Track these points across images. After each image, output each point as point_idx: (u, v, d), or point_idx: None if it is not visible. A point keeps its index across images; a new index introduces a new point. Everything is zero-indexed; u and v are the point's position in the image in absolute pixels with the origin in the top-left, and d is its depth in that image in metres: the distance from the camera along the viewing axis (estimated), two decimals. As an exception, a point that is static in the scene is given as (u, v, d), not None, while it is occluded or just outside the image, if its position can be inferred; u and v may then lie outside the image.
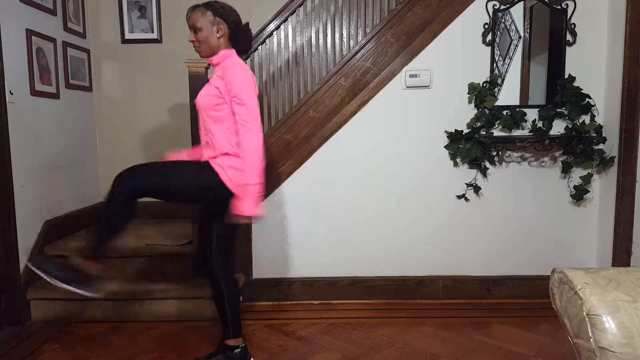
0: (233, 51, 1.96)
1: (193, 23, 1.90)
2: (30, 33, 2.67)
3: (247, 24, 2.00)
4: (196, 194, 1.93)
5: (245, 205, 1.79)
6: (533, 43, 2.69)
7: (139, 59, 3.42)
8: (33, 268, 1.82)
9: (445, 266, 2.80)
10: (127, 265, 2.76)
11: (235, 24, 1.94)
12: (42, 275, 1.78)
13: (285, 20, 2.65)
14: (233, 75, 1.86)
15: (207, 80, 2.01)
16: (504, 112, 2.63)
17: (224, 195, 1.84)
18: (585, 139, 2.58)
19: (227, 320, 2.04)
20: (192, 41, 1.93)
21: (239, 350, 2.05)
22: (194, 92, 2.33)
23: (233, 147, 1.88)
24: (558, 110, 2.65)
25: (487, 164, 2.72)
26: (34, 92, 2.70)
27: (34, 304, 2.58)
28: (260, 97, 2.15)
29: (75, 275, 1.79)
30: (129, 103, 3.49)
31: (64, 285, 1.77)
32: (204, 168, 1.89)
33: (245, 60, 2.54)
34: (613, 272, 1.06)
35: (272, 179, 2.66)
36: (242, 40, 1.99)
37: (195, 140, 2.50)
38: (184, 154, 2.15)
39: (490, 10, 2.64)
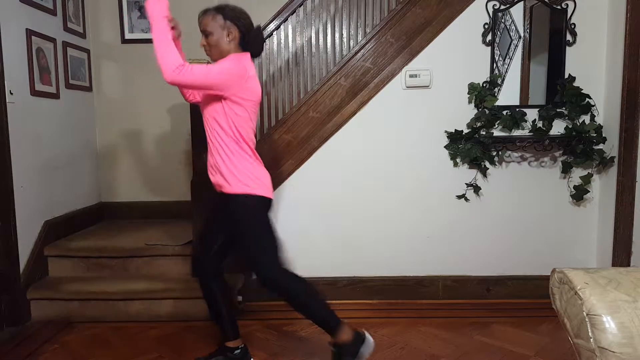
0: (247, 54, 1.91)
1: (204, 27, 1.87)
2: (30, 33, 2.67)
3: (259, 27, 1.95)
4: (266, 210, 2.00)
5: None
6: (533, 43, 2.68)
7: (139, 59, 3.42)
8: None
9: (445, 266, 2.80)
10: (127, 265, 2.77)
11: (247, 28, 1.90)
12: None
13: (285, 20, 2.65)
14: (222, 60, 1.86)
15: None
16: (504, 112, 2.63)
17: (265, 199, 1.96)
18: (585, 139, 2.58)
19: (224, 322, 2.04)
20: (203, 45, 1.91)
21: (238, 351, 2.05)
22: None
23: (227, 146, 1.87)
24: (558, 110, 2.65)
25: (487, 164, 2.71)
26: (34, 92, 2.71)
27: (34, 304, 2.58)
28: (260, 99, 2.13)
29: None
30: (129, 103, 3.49)
31: None
32: (243, 202, 1.91)
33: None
34: (613, 272, 1.06)
35: (272, 179, 2.64)
36: (253, 44, 1.94)
37: (195, 139, 2.50)
38: None
39: (490, 10, 2.63)
